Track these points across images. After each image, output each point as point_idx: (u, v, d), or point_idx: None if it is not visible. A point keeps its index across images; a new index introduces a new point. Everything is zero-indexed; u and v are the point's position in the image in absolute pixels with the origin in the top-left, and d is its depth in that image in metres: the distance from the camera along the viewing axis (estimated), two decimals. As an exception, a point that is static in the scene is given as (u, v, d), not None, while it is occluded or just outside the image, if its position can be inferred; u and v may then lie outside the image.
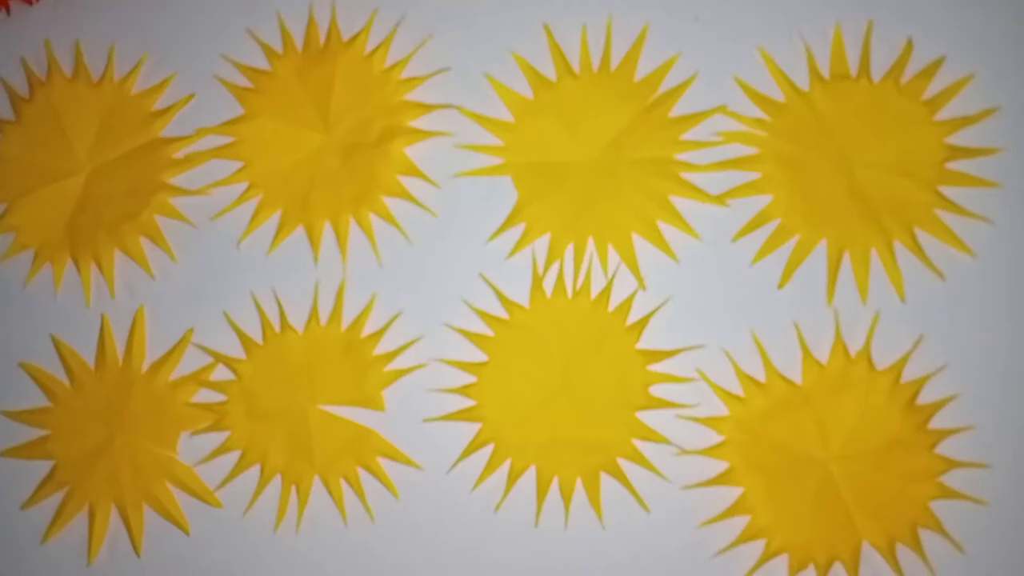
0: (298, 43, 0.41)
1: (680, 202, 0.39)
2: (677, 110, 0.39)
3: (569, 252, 0.39)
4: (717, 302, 0.39)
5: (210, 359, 0.40)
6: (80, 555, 0.40)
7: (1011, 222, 0.37)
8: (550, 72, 0.40)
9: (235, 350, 0.40)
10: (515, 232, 0.39)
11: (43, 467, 0.41)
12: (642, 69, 0.39)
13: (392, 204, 0.40)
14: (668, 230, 0.39)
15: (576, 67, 0.40)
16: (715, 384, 0.38)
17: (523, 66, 0.40)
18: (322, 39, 0.41)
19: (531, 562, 0.38)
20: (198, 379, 0.40)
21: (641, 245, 0.39)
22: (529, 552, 0.38)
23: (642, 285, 0.38)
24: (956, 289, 0.38)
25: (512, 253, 0.39)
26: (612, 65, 0.39)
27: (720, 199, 0.38)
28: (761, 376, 0.38)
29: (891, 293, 0.38)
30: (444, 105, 0.40)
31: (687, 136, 0.39)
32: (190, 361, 0.41)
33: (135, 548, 0.40)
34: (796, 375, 0.38)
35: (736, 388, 0.38)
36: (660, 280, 0.39)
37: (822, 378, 0.37)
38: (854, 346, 0.38)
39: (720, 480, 0.38)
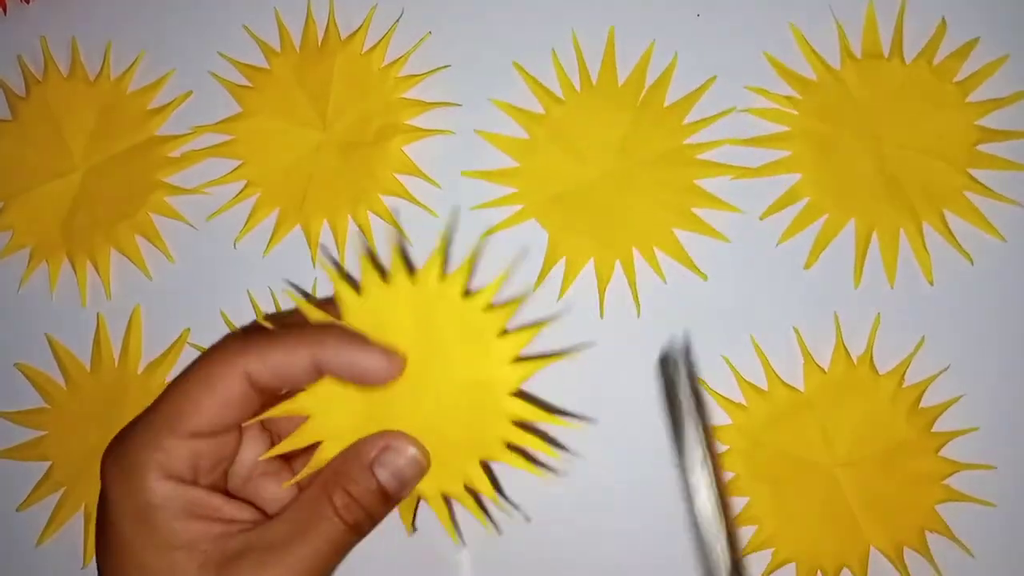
0: (296, 40, 0.41)
1: (699, 199, 0.38)
2: (670, 99, 0.39)
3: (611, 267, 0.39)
4: (717, 308, 0.38)
5: (206, 360, 0.40)
6: (76, 557, 0.40)
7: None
8: (553, 82, 0.40)
9: (232, 350, 0.40)
10: (558, 268, 0.39)
11: (39, 468, 0.41)
12: (650, 74, 0.39)
13: (391, 203, 0.40)
14: (684, 236, 0.38)
15: (575, 78, 0.39)
16: (716, 393, 0.38)
17: (526, 78, 0.39)
18: (320, 36, 0.41)
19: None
20: (194, 380, 0.40)
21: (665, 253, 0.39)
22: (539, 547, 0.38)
23: (702, 275, 0.38)
24: (955, 289, 0.37)
25: (562, 293, 0.39)
26: (618, 75, 0.39)
27: (745, 171, 0.38)
28: (763, 383, 0.38)
29: (891, 293, 0.37)
30: (443, 103, 0.40)
31: (690, 122, 0.38)
32: (187, 361, 0.40)
33: (131, 550, 0.40)
34: (798, 381, 0.37)
35: (738, 396, 0.38)
36: (659, 289, 0.38)
37: (825, 384, 0.37)
38: (856, 350, 0.37)
39: (724, 488, 0.37)
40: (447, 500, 0.31)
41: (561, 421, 0.31)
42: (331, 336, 0.29)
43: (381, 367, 0.29)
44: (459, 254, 0.39)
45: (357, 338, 0.29)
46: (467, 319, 0.29)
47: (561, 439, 0.38)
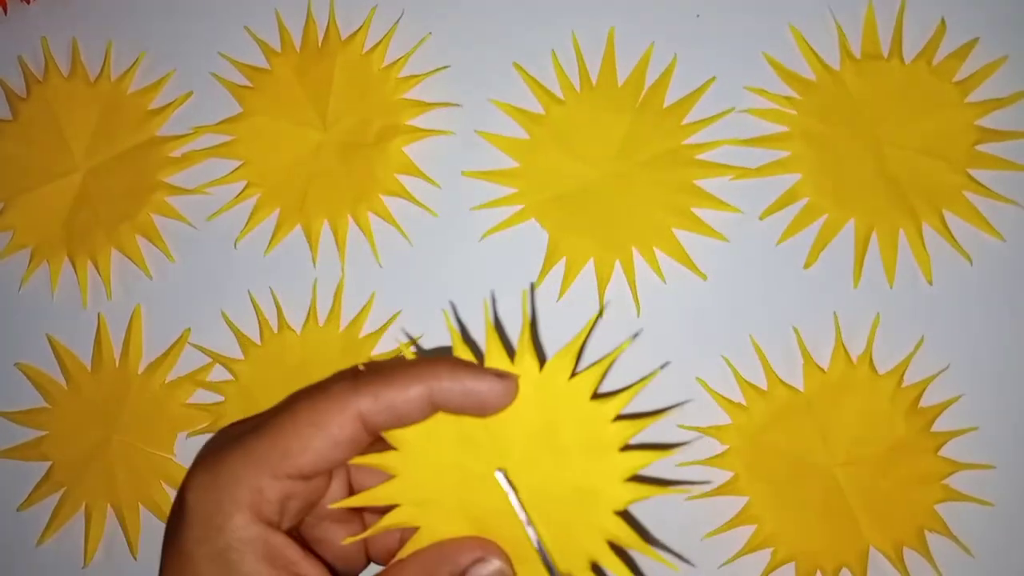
0: (296, 41, 0.41)
1: (698, 199, 0.38)
2: (670, 100, 0.39)
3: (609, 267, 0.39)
4: (717, 308, 0.38)
5: (207, 359, 0.40)
6: (76, 557, 0.40)
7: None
8: (553, 83, 0.40)
9: (232, 350, 0.40)
10: (558, 268, 0.39)
11: (39, 468, 0.41)
12: (650, 75, 0.39)
13: (391, 203, 0.40)
14: (684, 236, 0.38)
15: (575, 79, 0.39)
16: (716, 393, 0.38)
17: (526, 78, 0.39)
18: (320, 37, 0.41)
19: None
20: (195, 380, 0.40)
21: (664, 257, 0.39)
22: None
23: (702, 275, 0.38)
24: (955, 289, 0.37)
25: (562, 293, 0.39)
26: (618, 76, 0.39)
27: (744, 171, 0.38)
28: (762, 383, 0.38)
29: (891, 293, 0.37)
30: (444, 103, 0.40)
31: (688, 123, 0.39)
32: (187, 361, 0.40)
33: (131, 550, 0.40)
34: (798, 381, 0.37)
35: (738, 396, 0.38)
36: (659, 290, 0.38)
37: (824, 383, 0.37)
38: (855, 350, 0.37)
39: (724, 490, 0.37)
40: None
41: (656, 555, 0.29)
42: (444, 366, 0.28)
43: (497, 389, 0.28)
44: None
45: (471, 366, 0.28)
46: (592, 425, 0.28)
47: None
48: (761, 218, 0.38)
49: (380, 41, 0.40)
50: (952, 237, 0.37)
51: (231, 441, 0.28)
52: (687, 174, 0.38)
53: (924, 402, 0.37)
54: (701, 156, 0.38)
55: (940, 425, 0.37)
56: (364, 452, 0.29)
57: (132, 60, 0.42)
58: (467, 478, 0.28)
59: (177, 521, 0.28)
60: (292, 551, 0.28)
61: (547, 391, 0.28)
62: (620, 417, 0.28)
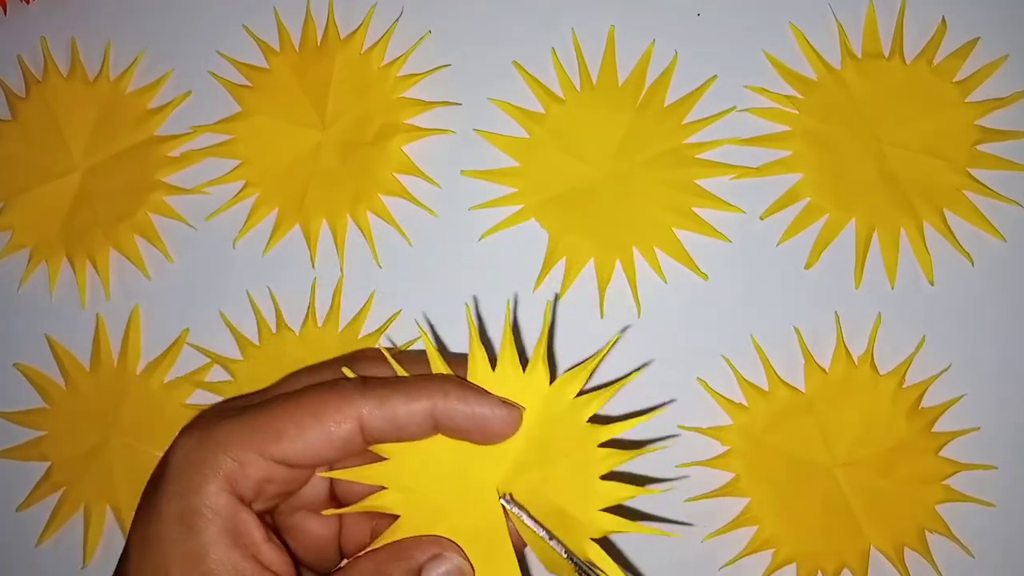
0: (295, 40, 0.41)
1: (699, 199, 0.38)
2: (671, 99, 0.39)
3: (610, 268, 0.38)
4: (717, 308, 0.38)
5: (206, 360, 0.40)
6: (75, 557, 0.40)
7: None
8: (553, 82, 0.39)
9: (231, 350, 0.40)
10: (558, 268, 0.39)
11: (38, 468, 0.40)
12: (650, 74, 0.39)
13: (390, 203, 0.40)
14: (684, 235, 0.38)
15: (575, 77, 0.39)
16: (717, 393, 0.38)
17: (526, 77, 0.39)
18: (319, 36, 0.40)
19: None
20: (193, 380, 0.40)
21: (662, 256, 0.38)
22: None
23: (703, 275, 0.38)
24: (956, 288, 0.37)
25: (562, 293, 0.38)
26: (618, 74, 0.39)
27: (745, 171, 0.38)
28: (763, 383, 0.37)
29: (892, 293, 0.37)
30: (443, 102, 0.40)
31: (689, 122, 0.38)
32: (185, 362, 0.40)
33: (130, 551, 0.40)
34: (799, 381, 0.37)
35: (738, 396, 0.38)
36: (659, 289, 0.38)
37: (825, 384, 0.37)
38: (857, 350, 0.37)
39: (725, 491, 0.37)
40: None
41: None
42: (453, 387, 0.27)
43: (503, 421, 0.27)
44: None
45: (478, 390, 0.28)
46: (582, 449, 0.28)
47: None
48: (762, 218, 0.38)
49: (379, 40, 0.40)
50: (953, 237, 0.37)
51: (230, 410, 0.28)
52: (688, 173, 0.38)
53: (925, 402, 0.37)
54: (702, 155, 0.38)
55: (941, 425, 0.37)
56: (355, 463, 0.28)
57: (131, 59, 0.42)
58: (457, 481, 0.28)
59: (157, 477, 0.28)
60: (257, 532, 0.27)
61: (550, 406, 0.28)
62: (609, 443, 0.28)
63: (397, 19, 0.40)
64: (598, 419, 0.28)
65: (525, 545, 0.29)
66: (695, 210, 0.38)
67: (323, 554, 0.31)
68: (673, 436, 0.38)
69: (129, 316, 0.41)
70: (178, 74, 0.42)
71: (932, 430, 0.36)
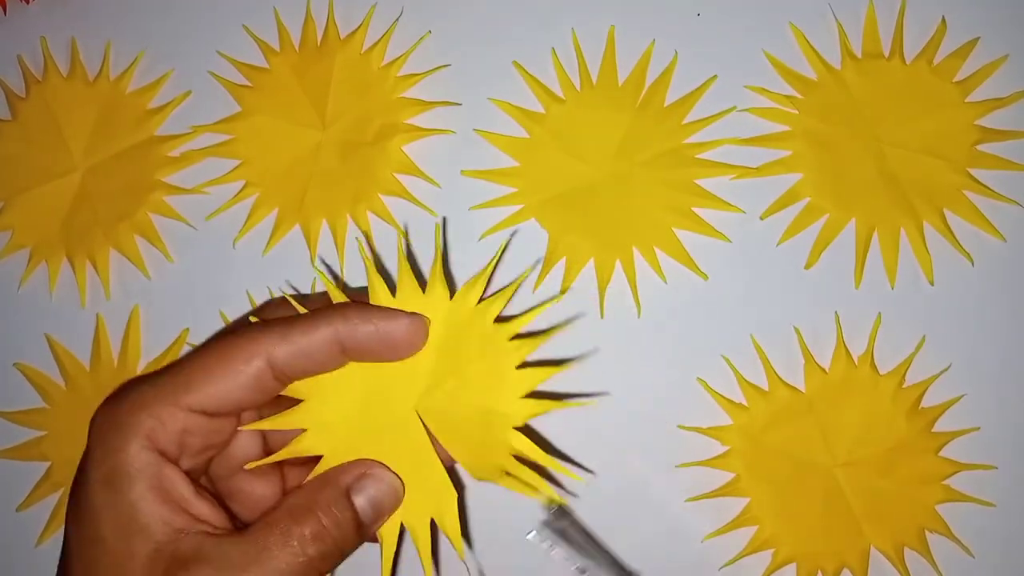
0: (295, 40, 0.41)
1: (699, 199, 0.38)
2: (671, 99, 0.39)
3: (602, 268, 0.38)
4: (717, 308, 0.38)
5: (206, 360, 0.40)
6: (75, 558, 0.40)
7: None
8: (553, 82, 0.39)
9: (231, 350, 0.40)
10: (558, 268, 0.39)
11: (38, 468, 0.40)
12: (650, 74, 0.39)
13: (390, 203, 0.40)
14: (684, 235, 0.38)
15: (575, 77, 0.39)
16: (717, 393, 0.38)
17: (526, 77, 0.39)
18: (319, 36, 0.40)
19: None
20: (194, 380, 0.40)
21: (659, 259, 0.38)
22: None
23: (703, 275, 0.38)
24: (956, 289, 0.37)
25: (562, 293, 0.38)
26: (618, 74, 0.39)
27: (745, 171, 0.38)
28: (763, 383, 0.37)
29: (892, 293, 0.37)
30: (443, 102, 0.40)
31: (689, 123, 0.38)
32: (186, 362, 0.40)
33: (130, 551, 0.40)
34: (799, 381, 0.37)
35: (738, 396, 0.38)
36: (659, 289, 0.38)
37: (825, 384, 0.37)
38: (857, 350, 0.37)
39: (725, 491, 0.37)
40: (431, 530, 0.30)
41: (559, 466, 0.29)
42: (353, 309, 0.28)
43: (407, 330, 0.28)
44: (478, 263, 0.39)
45: (379, 308, 0.28)
46: (493, 346, 0.29)
47: (558, 475, 0.37)
48: (762, 218, 0.38)
49: (379, 40, 0.40)
50: (953, 237, 0.37)
51: (144, 376, 0.28)
52: (688, 173, 0.38)
53: (925, 402, 0.37)
54: (702, 155, 0.38)
55: (941, 425, 0.37)
56: (275, 409, 0.29)
57: (131, 59, 0.42)
58: (376, 409, 0.29)
59: (84, 451, 0.28)
60: (184, 487, 0.27)
61: (454, 318, 0.29)
62: (517, 337, 0.29)
63: (397, 19, 0.40)
64: (502, 320, 0.29)
65: (453, 461, 0.29)
66: (695, 210, 0.38)
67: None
68: (603, 394, 0.38)
69: (129, 316, 0.41)
70: (178, 74, 0.42)
71: (932, 430, 0.36)
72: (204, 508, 0.28)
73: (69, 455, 0.40)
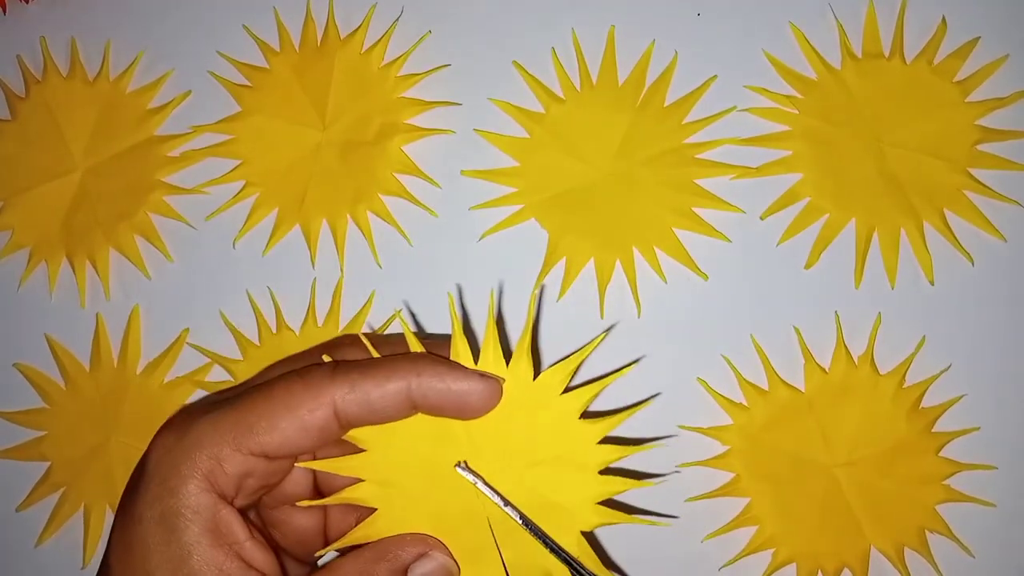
0: (295, 40, 0.41)
1: (699, 199, 0.38)
2: (671, 99, 0.39)
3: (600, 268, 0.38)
4: (717, 308, 0.38)
5: (206, 360, 0.40)
6: (75, 558, 0.40)
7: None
8: (553, 82, 0.39)
9: (231, 351, 0.40)
10: (558, 268, 0.39)
11: (38, 468, 0.40)
12: (650, 74, 0.39)
13: (390, 203, 0.40)
14: (684, 235, 0.38)
15: (575, 77, 0.39)
16: (717, 393, 0.38)
17: (526, 77, 0.39)
18: (319, 36, 0.40)
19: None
20: (193, 380, 0.40)
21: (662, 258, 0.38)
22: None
23: (703, 275, 0.38)
24: (956, 289, 0.37)
25: (562, 293, 0.38)
26: (618, 74, 0.39)
27: (745, 171, 0.38)
28: (763, 383, 0.37)
29: (892, 293, 0.37)
30: (443, 102, 0.40)
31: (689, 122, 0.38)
32: (185, 362, 0.40)
33: (130, 551, 0.40)
34: (799, 381, 0.37)
35: (738, 396, 0.38)
36: (659, 289, 0.38)
37: (825, 384, 0.37)
38: (857, 350, 0.37)
39: (725, 491, 0.37)
40: None
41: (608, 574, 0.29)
42: (428, 364, 0.27)
43: (480, 390, 0.27)
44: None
45: (454, 365, 0.27)
46: (577, 444, 0.28)
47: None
48: (762, 218, 0.38)
49: (379, 39, 0.40)
50: (954, 237, 0.37)
51: (204, 409, 0.28)
52: (688, 173, 0.38)
53: (926, 402, 0.37)
54: (702, 155, 0.38)
55: (941, 425, 0.37)
56: (336, 452, 0.28)
57: (131, 59, 0.42)
58: (436, 472, 0.28)
59: (135, 481, 0.27)
60: (240, 529, 0.27)
61: (536, 401, 0.28)
62: (606, 440, 0.28)
63: (397, 19, 0.40)
64: (587, 414, 0.28)
65: None
66: (695, 210, 0.38)
67: (309, 545, 0.31)
68: (671, 436, 0.38)
69: (129, 316, 0.41)
70: (178, 74, 0.42)
71: (932, 430, 0.36)
72: (257, 555, 0.27)
73: (69, 455, 0.40)
